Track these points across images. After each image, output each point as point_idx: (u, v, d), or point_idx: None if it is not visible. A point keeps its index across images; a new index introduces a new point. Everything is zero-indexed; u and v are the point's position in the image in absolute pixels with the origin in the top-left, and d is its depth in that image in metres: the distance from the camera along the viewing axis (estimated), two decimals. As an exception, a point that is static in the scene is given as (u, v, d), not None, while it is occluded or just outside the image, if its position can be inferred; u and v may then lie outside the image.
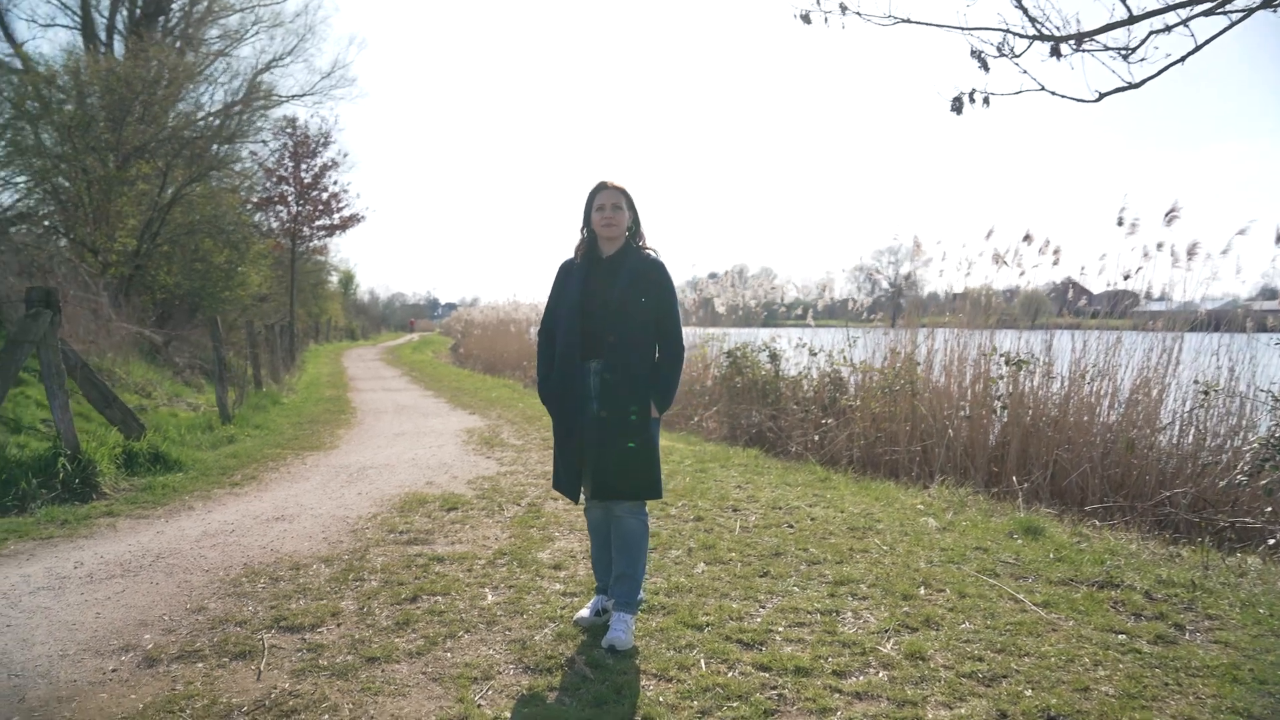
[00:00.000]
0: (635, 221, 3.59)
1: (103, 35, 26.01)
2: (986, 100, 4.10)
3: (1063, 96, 3.68)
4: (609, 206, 3.48)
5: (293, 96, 32.19)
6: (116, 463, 6.28)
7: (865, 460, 8.66)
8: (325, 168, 24.88)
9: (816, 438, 9.48)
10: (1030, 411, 7.20)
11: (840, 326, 10.57)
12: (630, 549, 3.58)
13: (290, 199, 24.38)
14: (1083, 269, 7.82)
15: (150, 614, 3.67)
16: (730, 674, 3.15)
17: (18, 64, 19.52)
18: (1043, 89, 3.67)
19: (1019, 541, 4.94)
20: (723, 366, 11.60)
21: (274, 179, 24.47)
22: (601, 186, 3.50)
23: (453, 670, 3.16)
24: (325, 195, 24.93)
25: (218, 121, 25.80)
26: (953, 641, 3.45)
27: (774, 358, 10.93)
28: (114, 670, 3.11)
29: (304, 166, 24.46)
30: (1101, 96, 3.54)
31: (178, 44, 26.05)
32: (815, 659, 3.28)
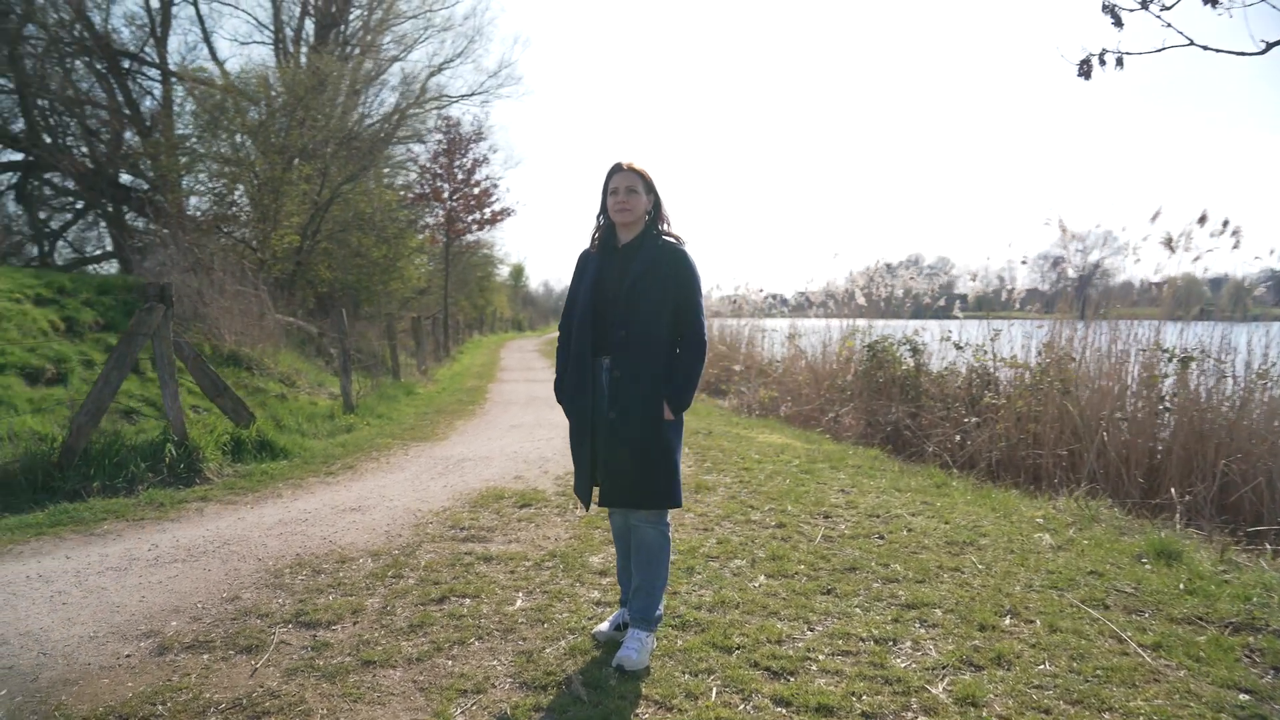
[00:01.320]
0: (656, 206, 3.33)
1: (291, 48, 28.50)
2: (1120, 61, 3.62)
3: (1219, 51, 3.14)
4: (623, 190, 3.24)
5: (461, 96, 34.01)
6: (223, 449, 6.74)
7: (1006, 464, 7.89)
8: (477, 163, 25.99)
9: (958, 438, 8.76)
10: (1198, 415, 6.23)
11: (1005, 318, 9.70)
12: (648, 561, 3.34)
13: (445, 194, 25.64)
14: (1272, 251, 6.66)
15: (188, 600, 3.84)
16: (742, 707, 2.86)
17: (217, 78, 21.72)
18: (1191, 44, 3.15)
19: (1146, 567, 4.24)
20: (863, 360, 10.98)
21: (429, 175, 25.85)
22: (616, 168, 3.27)
23: (445, 680, 3.05)
24: (477, 190, 26.05)
25: (390, 124, 27.77)
26: (1020, 686, 2.96)
27: (915, 351, 10.20)
28: (127, 656, 3.25)
29: (457, 163, 25.65)
30: (1270, 47, 2.98)
31: (355, 50, 28.15)
32: (847, 696, 2.91)
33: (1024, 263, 9.74)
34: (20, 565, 4.33)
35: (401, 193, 24.00)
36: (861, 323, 12.16)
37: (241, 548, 4.67)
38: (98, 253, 26.02)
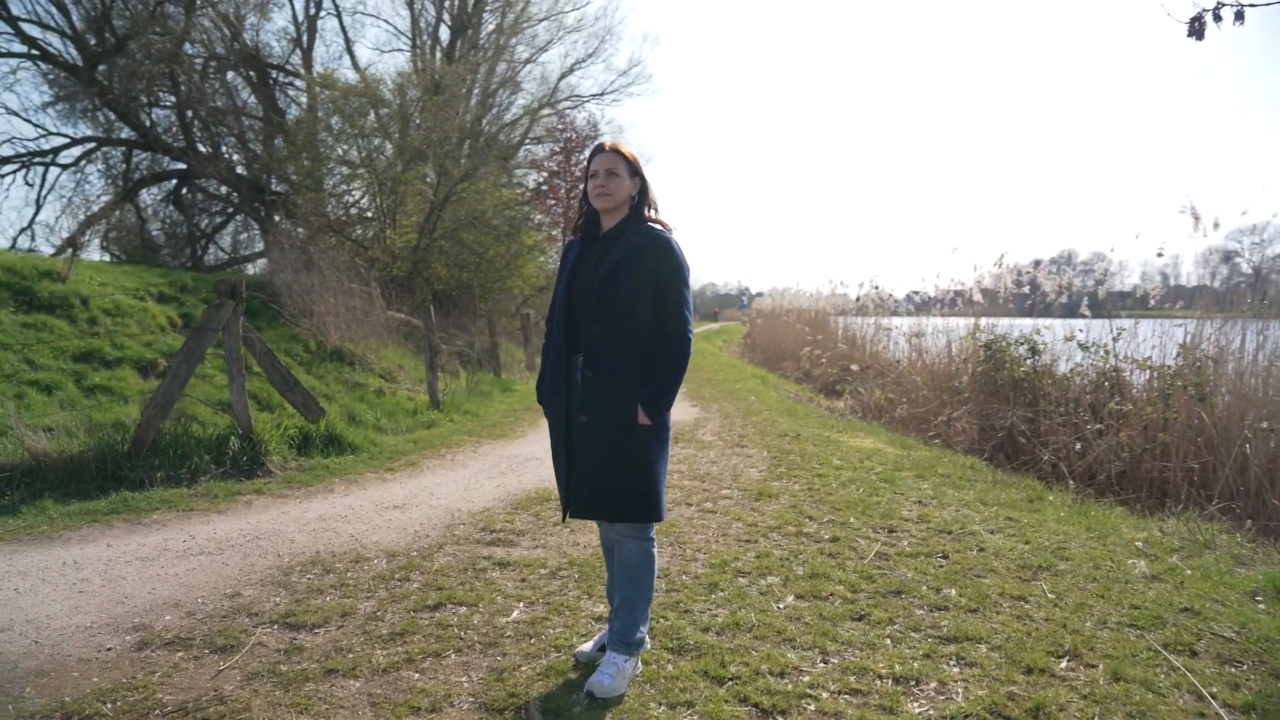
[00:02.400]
0: (642, 191, 3.07)
1: (427, 54, 29.78)
2: (1240, 15, 3.15)
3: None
4: (602, 173, 3.00)
5: (592, 96, 34.71)
6: (290, 444, 6.95)
7: (1128, 477, 7.09)
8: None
9: (1077, 446, 7.96)
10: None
11: (1155, 316, 8.77)
12: (627, 578, 3.08)
13: (562, 192, 26.05)
14: None
15: (190, 595, 3.89)
16: (708, 750, 2.56)
17: (355, 84, 22.94)
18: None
19: (1260, 607, 3.59)
20: (980, 360, 10.22)
21: (546, 173, 26.37)
22: (597, 149, 3.04)
23: (401, 696, 2.91)
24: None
25: (522, 125, 28.67)
26: (1046, 752, 2.51)
27: (1034, 351, 9.38)
28: (109, 650, 3.29)
29: (574, 160, 26.01)
30: None
31: (488, 53, 29.15)
32: (834, 747, 2.56)
33: (1160, 255, 8.72)
34: (62, 551, 4.55)
35: (520, 190, 24.49)
36: (1000, 321, 11.30)
37: (268, 543, 4.73)
38: (249, 253, 28.10)
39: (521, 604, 3.79)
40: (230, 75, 25.17)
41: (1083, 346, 8.73)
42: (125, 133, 25.53)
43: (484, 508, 5.56)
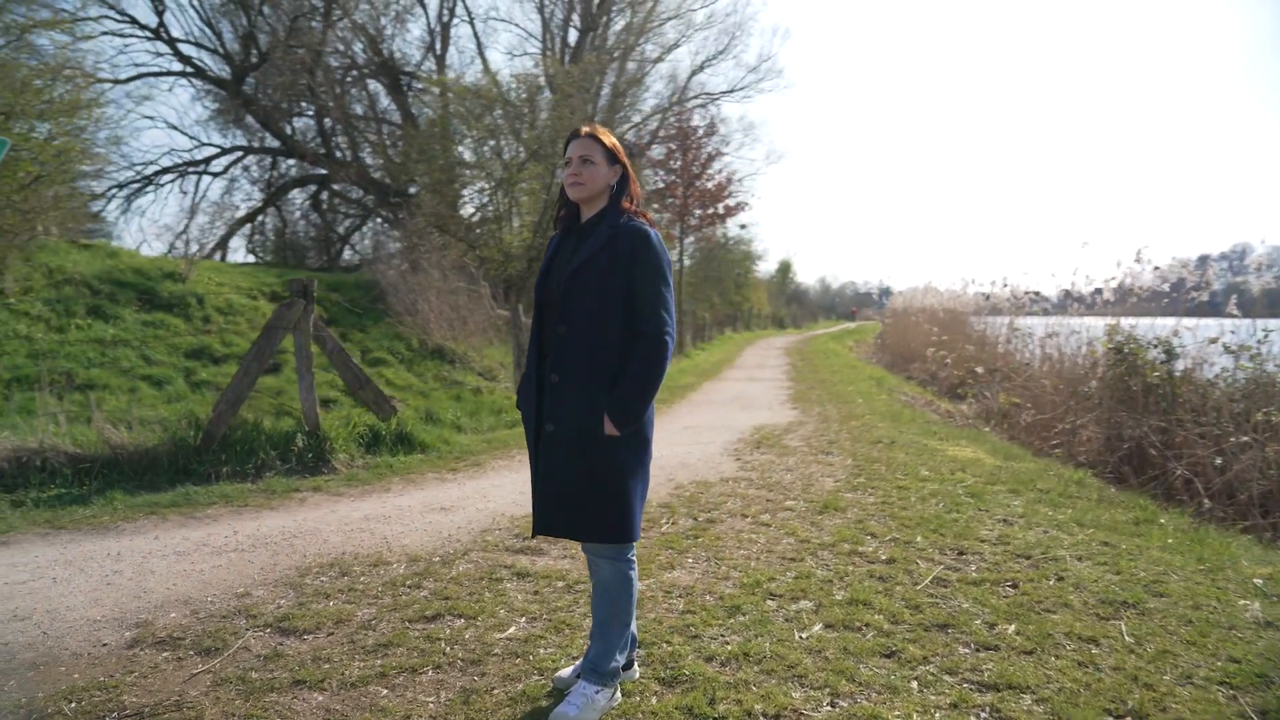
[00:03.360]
0: (622, 180, 2.84)
1: (557, 57, 30.46)
2: None
3: None
4: (575, 159, 2.79)
5: (723, 93, 34.64)
6: (359, 442, 7.08)
7: (1278, 496, 6.22)
8: (711, 157, 26.06)
9: (1218, 460, 7.09)
10: None
11: None
12: (603, 602, 2.85)
13: (679, 190, 25.91)
14: None
15: (203, 592, 3.94)
16: (659, 801, 2.30)
17: (484, 89, 23.70)
18: None
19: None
20: (1110, 364, 9.34)
21: (663, 171, 26.29)
22: (573, 135, 2.83)
23: (359, 714, 2.79)
24: (711, 185, 26.10)
25: (650, 124, 28.93)
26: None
27: (1170, 354, 8.45)
28: (103, 646, 3.35)
29: (690, 159, 25.82)
30: None
31: (617, 53, 29.52)
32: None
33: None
34: (112, 542, 4.75)
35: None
36: (1140, 321, 10.31)
37: (302, 542, 4.78)
38: (385, 254, 29.52)
39: (523, 619, 3.63)
40: (370, 84, 26.54)
41: (1228, 349, 7.78)
42: (270, 141, 27.39)
43: (527, 513, 5.44)
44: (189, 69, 26.66)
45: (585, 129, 2.82)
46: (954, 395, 15.77)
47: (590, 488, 2.71)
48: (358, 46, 25.81)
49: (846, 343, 31.94)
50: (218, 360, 10.32)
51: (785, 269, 69.89)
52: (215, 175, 27.69)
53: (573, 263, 2.76)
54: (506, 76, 23.81)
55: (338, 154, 26.90)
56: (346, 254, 29.02)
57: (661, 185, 25.50)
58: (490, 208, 22.09)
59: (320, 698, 2.91)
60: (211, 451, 6.24)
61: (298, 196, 29.39)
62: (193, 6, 28.19)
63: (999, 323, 17.24)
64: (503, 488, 6.25)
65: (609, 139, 2.81)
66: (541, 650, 3.30)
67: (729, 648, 3.30)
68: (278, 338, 6.71)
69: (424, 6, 27.16)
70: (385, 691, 2.96)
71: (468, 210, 21.93)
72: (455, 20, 29.96)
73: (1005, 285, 15.50)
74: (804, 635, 3.43)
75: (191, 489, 5.82)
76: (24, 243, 10.50)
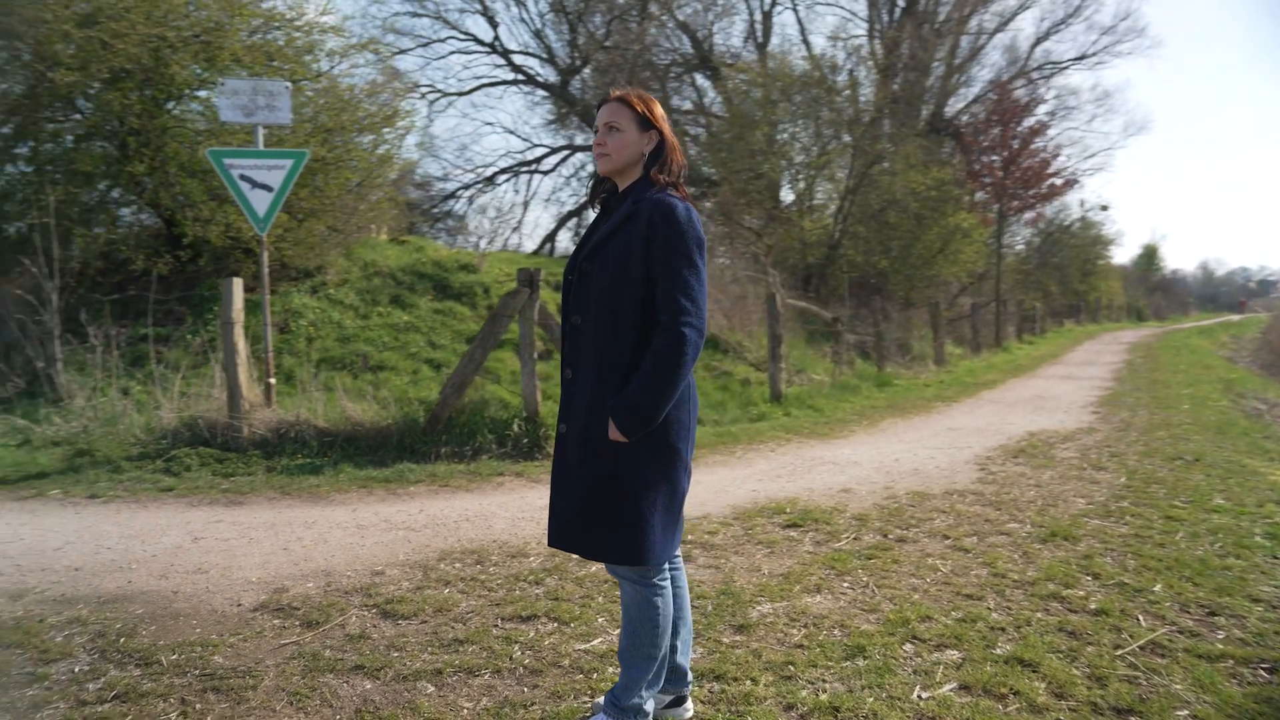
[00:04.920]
0: (659, 149, 2.50)
1: (881, 38, 29.50)
2: None
3: None
4: (601, 128, 2.52)
5: (1071, 61, 31.44)
6: (577, 428, 7.24)
7: None
8: (1034, 132, 23.46)
9: None
10: None
11: None
12: (625, 630, 2.56)
13: (997, 169, 23.61)
14: None
15: (347, 566, 4.21)
16: None
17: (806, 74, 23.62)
18: None
19: None
20: None
21: (978, 150, 24.11)
22: (602, 101, 2.56)
23: (392, 709, 2.78)
24: (1035, 161, 23.49)
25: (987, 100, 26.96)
26: None
27: None
28: (237, 607, 3.69)
29: (1010, 133, 23.40)
30: None
31: (951, 24, 27.90)
32: None
33: None
34: (315, 511, 5.30)
35: (948, 169, 22.69)
36: None
37: (468, 526, 4.96)
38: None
39: (615, 633, 3.41)
40: (696, 77, 27.52)
41: None
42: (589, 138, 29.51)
43: (704, 514, 5.18)
44: (520, 76, 29.59)
45: (615, 92, 2.53)
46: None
47: (595, 499, 2.43)
48: (678, 42, 26.82)
49: (1220, 338, 27.14)
50: (495, 345, 11.24)
51: (1150, 255, 61.98)
52: (545, 173, 30.50)
53: (590, 245, 2.50)
54: (832, 58, 23.15)
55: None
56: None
57: (977, 166, 23.34)
58: (803, 188, 21.66)
59: (368, 685, 2.95)
60: (435, 433, 6.75)
61: (619, 190, 31.29)
62: (522, 20, 31.01)
63: None
64: (703, 485, 6.01)
65: (641, 104, 2.49)
66: (610, 668, 3.07)
67: (821, 697, 2.82)
68: (504, 325, 7.07)
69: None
70: (431, 689, 2.93)
71: (775, 198, 21.68)
72: (778, 8, 29.86)
73: None
74: (925, 695, 2.84)
75: (408, 466, 6.34)
76: (344, 240, 12.24)
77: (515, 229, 30.46)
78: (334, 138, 11.60)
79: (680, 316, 2.33)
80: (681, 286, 2.34)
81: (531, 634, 3.38)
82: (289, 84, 8.02)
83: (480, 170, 29.17)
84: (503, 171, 29.89)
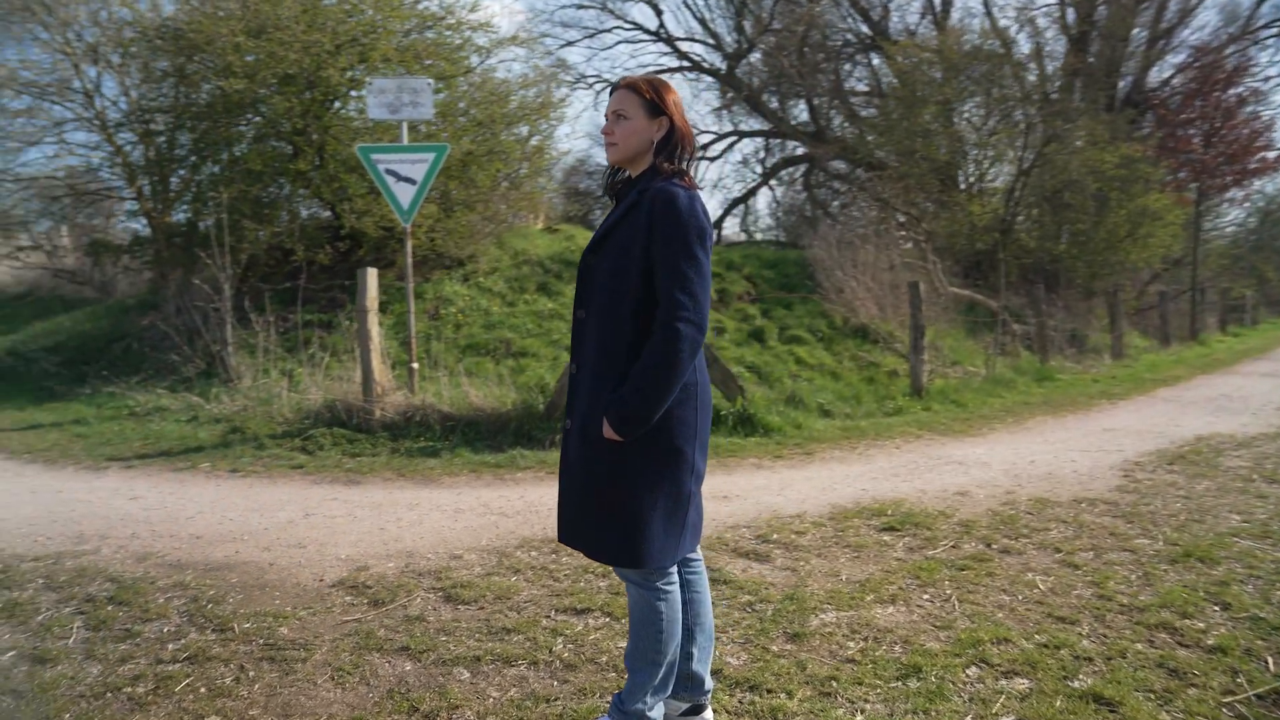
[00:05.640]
0: (668, 136, 2.41)
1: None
2: None
3: None
4: (609, 116, 2.46)
5: None
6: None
7: None
8: (1238, 103, 20.97)
9: None
10: None
11: None
12: (632, 630, 2.51)
13: (1196, 142, 21.29)
14: None
15: (431, 549, 4.37)
16: None
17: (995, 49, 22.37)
18: None
19: None
20: None
21: (1173, 122, 21.80)
22: (612, 89, 2.50)
23: (421, 693, 2.86)
24: (1242, 134, 21.01)
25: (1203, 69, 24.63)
26: None
27: None
28: (319, 582, 3.92)
29: (1212, 102, 21.02)
30: None
31: None
32: None
33: None
34: (423, 493, 5.55)
35: (1140, 147, 20.69)
36: None
37: (505, 520, 4.96)
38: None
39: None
40: (872, 57, 26.61)
41: None
42: (763, 123, 29.15)
43: (799, 512, 5.00)
44: (686, 64, 29.63)
45: (625, 79, 2.46)
46: None
47: (594, 498, 2.39)
48: (852, 21, 25.98)
49: None
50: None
51: None
52: (711, 160, 30.43)
53: (595, 237, 2.46)
54: (1016, 33, 21.62)
55: (830, 132, 27.36)
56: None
57: (1173, 143, 21.06)
58: (976, 171, 20.51)
59: (408, 667, 3.05)
60: (552, 419, 6.89)
61: (789, 175, 30.69)
62: (687, 6, 31.01)
63: None
64: (811, 481, 5.84)
65: (650, 90, 2.41)
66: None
67: (856, 719, 2.66)
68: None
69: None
70: (466, 675, 2.99)
71: (946, 180, 20.58)
72: (960, -19, 28.34)
73: None
74: (982, 726, 2.61)
75: (521, 453, 6.50)
76: (496, 230, 12.71)
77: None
78: (485, 130, 12.06)
79: (676, 312, 2.24)
80: (679, 281, 2.26)
81: (580, 627, 3.39)
82: (430, 81, 8.39)
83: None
84: (670, 159, 30.04)
